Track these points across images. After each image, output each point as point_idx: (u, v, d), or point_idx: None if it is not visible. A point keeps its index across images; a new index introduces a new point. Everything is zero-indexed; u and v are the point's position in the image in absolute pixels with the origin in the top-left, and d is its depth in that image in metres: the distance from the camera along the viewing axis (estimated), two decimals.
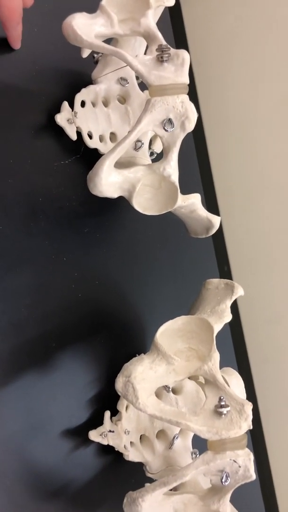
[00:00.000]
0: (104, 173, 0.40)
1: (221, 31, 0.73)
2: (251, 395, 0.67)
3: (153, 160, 0.54)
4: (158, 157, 0.53)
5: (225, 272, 0.71)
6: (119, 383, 0.38)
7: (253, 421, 0.38)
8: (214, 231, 0.49)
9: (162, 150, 0.55)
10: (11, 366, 0.40)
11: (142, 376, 0.39)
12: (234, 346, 0.67)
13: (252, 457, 0.37)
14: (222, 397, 0.38)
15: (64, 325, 0.45)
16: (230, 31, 0.72)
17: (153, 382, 0.40)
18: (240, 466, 0.37)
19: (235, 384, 0.52)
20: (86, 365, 0.46)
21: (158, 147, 0.54)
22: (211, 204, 0.73)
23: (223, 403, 0.38)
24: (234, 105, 0.71)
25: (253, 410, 0.38)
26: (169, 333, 0.42)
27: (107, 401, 0.47)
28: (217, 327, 0.43)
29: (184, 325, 0.43)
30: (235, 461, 0.37)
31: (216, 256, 0.66)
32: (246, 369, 0.70)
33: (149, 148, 0.54)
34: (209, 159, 0.74)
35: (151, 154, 0.54)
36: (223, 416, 0.38)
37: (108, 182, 0.41)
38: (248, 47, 0.70)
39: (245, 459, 0.37)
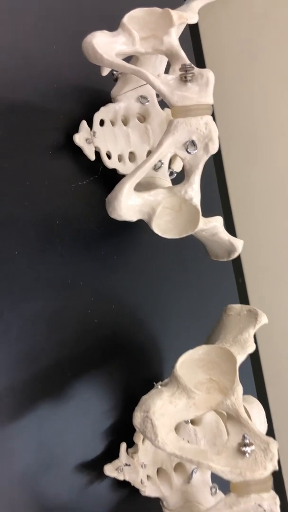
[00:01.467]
0: (123, 196, 0.39)
1: (239, 49, 0.72)
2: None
3: (173, 180, 0.52)
4: (178, 176, 0.52)
5: (239, 284, 0.69)
6: (137, 419, 0.37)
7: None
8: (236, 254, 0.47)
9: (182, 169, 0.53)
10: (24, 396, 0.39)
11: (161, 411, 0.37)
12: (252, 365, 0.65)
13: (278, 501, 0.35)
14: (245, 435, 0.36)
15: (79, 352, 0.43)
16: (248, 49, 0.71)
17: (172, 417, 0.38)
18: (265, 511, 0.35)
19: (256, 413, 0.50)
20: (102, 393, 0.45)
21: (178, 167, 0.53)
22: (225, 217, 0.71)
23: (247, 441, 0.36)
24: (252, 123, 0.70)
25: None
26: (189, 363, 0.40)
27: (123, 431, 0.45)
28: (240, 358, 0.41)
29: (205, 355, 0.41)
30: (260, 505, 0.35)
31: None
32: (261, 388, 0.68)
33: (169, 167, 0.52)
34: (225, 174, 0.72)
35: (171, 173, 0.52)
36: (247, 455, 0.36)
37: (127, 205, 0.40)
38: (269, 65, 0.68)
39: (271, 503, 0.35)
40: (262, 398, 0.64)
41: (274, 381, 0.66)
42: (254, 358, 0.65)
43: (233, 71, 0.73)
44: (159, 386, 0.48)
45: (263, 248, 0.69)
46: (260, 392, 0.63)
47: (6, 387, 0.38)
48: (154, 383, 0.47)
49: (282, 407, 0.66)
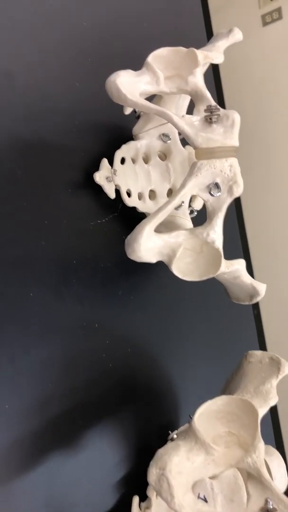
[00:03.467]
0: (143, 239, 0.38)
1: (257, 83, 0.72)
2: None
3: (193, 218, 0.51)
4: (198, 215, 0.51)
5: (255, 316, 0.67)
6: (152, 476, 0.34)
7: None
8: (259, 298, 0.45)
9: (202, 207, 0.52)
10: (33, 448, 0.37)
11: (178, 469, 0.35)
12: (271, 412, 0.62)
13: None
14: (269, 499, 0.34)
15: (92, 399, 0.41)
16: (265, 85, 0.70)
17: (189, 475, 0.35)
18: None
19: (276, 466, 0.47)
20: (115, 442, 0.42)
21: (198, 205, 0.52)
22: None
23: (270, 506, 0.33)
24: (270, 160, 0.69)
25: None
26: (207, 415, 0.38)
27: (136, 483, 0.42)
28: (262, 411, 0.39)
29: (225, 406, 0.39)
30: None
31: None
32: (278, 438, 0.65)
33: (189, 206, 0.51)
34: (243, 215, 0.71)
35: (191, 212, 0.51)
36: None
37: (147, 247, 0.38)
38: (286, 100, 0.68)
39: None
40: (279, 447, 0.61)
41: None
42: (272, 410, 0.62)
43: (252, 107, 0.72)
44: (175, 436, 0.45)
45: (278, 280, 0.67)
46: (277, 442, 0.60)
47: (14, 438, 0.36)
48: (170, 431, 0.45)
49: None
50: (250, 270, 0.68)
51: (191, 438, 0.36)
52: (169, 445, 0.37)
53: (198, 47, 0.42)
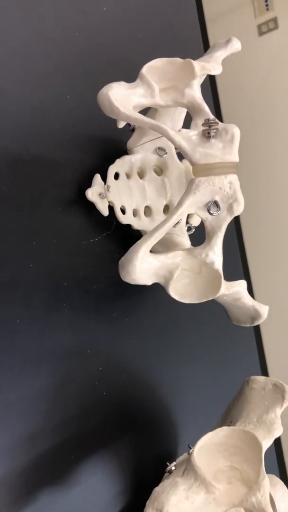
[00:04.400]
0: (138, 260, 0.35)
1: (254, 95, 0.70)
2: None
3: (190, 235, 0.49)
4: (196, 232, 0.49)
5: (256, 338, 0.65)
6: None
7: None
8: (261, 321, 0.43)
9: (200, 223, 0.50)
10: (22, 485, 0.34)
11: (176, 510, 0.32)
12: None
13: None
14: None
15: (85, 431, 0.39)
16: (262, 96, 0.69)
17: None
18: None
19: (281, 497, 0.45)
20: (109, 476, 0.40)
21: (195, 221, 0.50)
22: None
23: None
24: (266, 179, 0.67)
25: None
26: (208, 448, 0.36)
27: None
28: (266, 443, 0.36)
29: (226, 438, 0.36)
30: None
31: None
32: (281, 466, 0.62)
33: (187, 222, 0.49)
34: (242, 234, 0.70)
35: (189, 229, 0.49)
36: None
37: (142, 269, 0.36)
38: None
39: None
40: (283, 476, 0.58)
41: None
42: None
43: (248, 118, 0.71)
44: (173, 468, 0.43)
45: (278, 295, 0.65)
46: (281, 470, 0.58)
47: (2, 475, 0.33)
48: (168, 463, 0.43)
49: None
50: (250, 289, 0.66)
51: (190, 475, 0.34)
52: (166, 482, 0.34)
53: (194, 58, 0.40)
